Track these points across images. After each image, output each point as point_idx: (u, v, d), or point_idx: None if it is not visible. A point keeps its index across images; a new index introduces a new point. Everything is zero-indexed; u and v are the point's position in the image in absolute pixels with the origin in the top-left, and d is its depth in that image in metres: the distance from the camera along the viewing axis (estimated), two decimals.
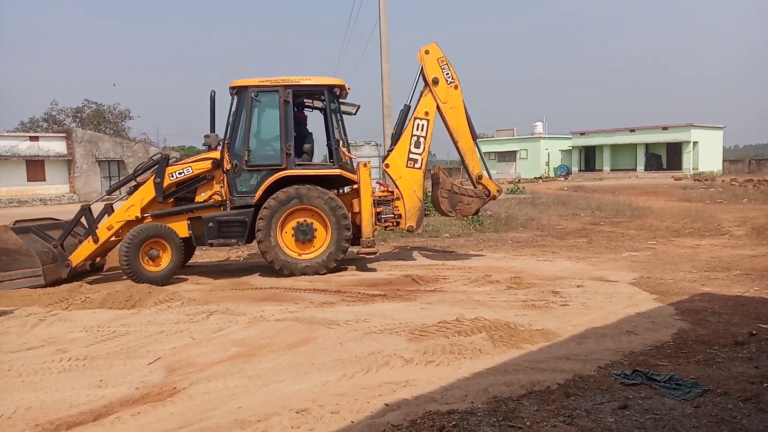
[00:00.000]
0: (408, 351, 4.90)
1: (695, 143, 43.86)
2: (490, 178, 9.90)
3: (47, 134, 39.28)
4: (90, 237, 8.72)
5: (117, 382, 4.45)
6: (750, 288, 7.21)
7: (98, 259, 9.58)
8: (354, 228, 9.06)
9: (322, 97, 9.30)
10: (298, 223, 8.75)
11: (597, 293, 7.08)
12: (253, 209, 8.78)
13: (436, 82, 9.43)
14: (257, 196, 8.76)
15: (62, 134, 38.34)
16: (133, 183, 9.30)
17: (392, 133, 9.82)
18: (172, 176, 8.90)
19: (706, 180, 30.97)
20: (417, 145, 9.44)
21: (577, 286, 7.51)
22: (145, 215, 8.86)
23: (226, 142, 8.87)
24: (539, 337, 5.23)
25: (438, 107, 9.50)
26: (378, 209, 9.32)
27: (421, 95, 9.57)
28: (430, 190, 10.67)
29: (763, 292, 6.92)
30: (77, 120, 50.52)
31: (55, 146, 36.97)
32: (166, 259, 8.54)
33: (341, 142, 9.37)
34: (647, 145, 46.20)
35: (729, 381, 3.99)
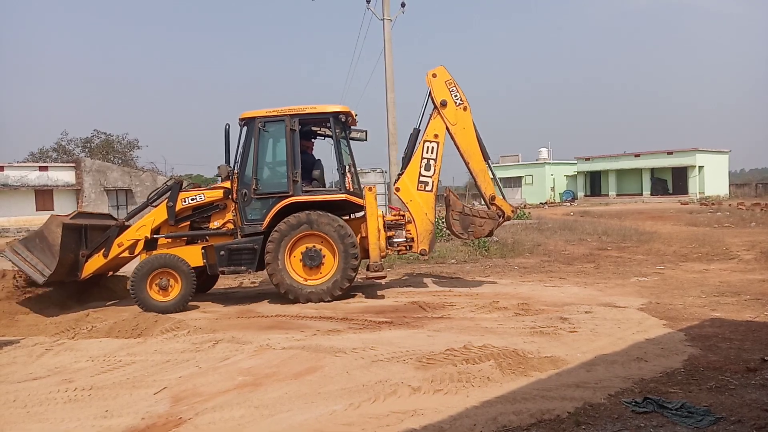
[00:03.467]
0: (415, 379, 4.85)
1: (701, 167, 43.83)
2: (504, 198, 9.83)
3: (56, 164, 39.71)
4: (101, 252, 9.04)
5: (122, 412, 4.42)
6: (761, 313, 7.13)
7: (110, 273, 9.95)
8: (364, 253, 9.09)
9: (329, 124, 9.42)
10: (306, 248, 8.80)
11: (606, 319, 7.02)
12: (262, 237, 8.87)
13: (444, 104, 9.46)
14: (265, 223, 8.86)
15: (71, 164, 38.76)
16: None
17: (402, 157, 9.83)
18: (185, 201, 9.17)
19: (713, 204, 30.86)
20: (427, 168, 9.46)
21: (586, 312, 7.45)
22: (156, 236, 9.19)
23: (235, 171, 9.03)
24: (548, 364, 5.17)
25: (447, 129, 9.52)
26: (389, 233, 9.34)
27: (430, 118, 9.61)
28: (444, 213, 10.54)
29: None
30: (86, 150, 51.11)
31: (64, 176, 37.34)
32: (176, 289, 8.65)
33: (347, 167, 9.44)
34: (653, 170, 46.19)
35: (742, 408, 3.93)
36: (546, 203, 46.73)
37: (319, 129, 9.95)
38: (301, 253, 8.81)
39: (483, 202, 10.03)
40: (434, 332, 6.62)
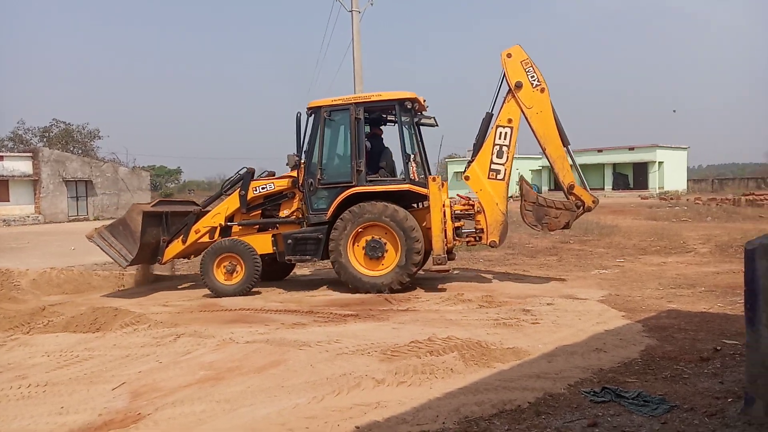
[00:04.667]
0: (380, 372, 4.86)
1: (660, 163, 45.04)
2: (584, 187, 9.12)
3: (12, 154, 38.37)
4: (181, 237, 9.54)
5: (79, 408, 4.30)
6: (714, 304, 7.37)
7: (192, 256, 10.51)
8: (430, 244, 8.82)
9: (394, 112, 9.25)
10: (369, 239, 8.75)
11: (567, 311, 7.15)
12: (327, 226, 8.90)
13: (519, 86, 8.86)
14: (329, 213, 8.89)
15: (28, 154, 37.48)
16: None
17: (474, 144, 9.27)
18: (256, 190, 9.40)
19: (672, 199, 31.74)
20: (499, 155, 8.93)
21: (548, 304, 7.58)
22: (230, 223, 9.51)
23: (302, 161, 9.05)
24: (510, 355, 5.24)
25: (523, 113, 8.92)
26: (458, 223, 9.08)
27: (504, 101, 9.04)
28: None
29: (726, 308, 7.08)
30: (44, 140, 49.57)
31: (21, 166, 36.07)
32: (240, 274, 8.93)
33: (412, 156, 9.27)
34: (614, 165, 47.26)
35: (695, 396, 4.05)
36: (511, 197, 47.26)
37: (388, 116, 9.83)
38: (365, 243, 8.75)
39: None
40: (399, 324, 6.64)
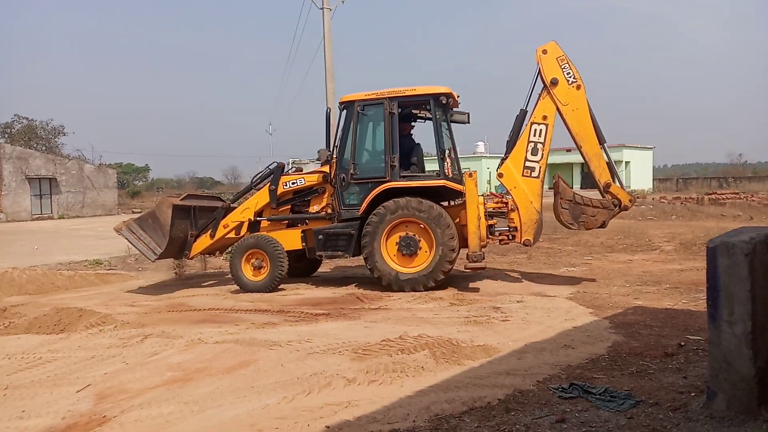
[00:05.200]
0: (351, 371, 4.84)
1: (627, 163, 45.93)
2: (621, 186, 8.98)
3: None
4: (209, 232, 9.46)
5: (41, 412, 4.19)
6: (679, 301, 7.54)
7: (217, 253, 10.51)
8: (463, 242, 8.72)
9: (428, 107, 9.07)
10: (403, 236, 8.58)
11: (536, 308, 7.24)
12: (359, 222, 8.77)
13: (555, 83, 8.65)
14: (362, 208, 8.77)
15: None
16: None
17: (507, 140, 9.09)
18: (286, 185, 9.34)
19: (638, 198, 32.31)
20: (534, 153, 8.72)
21: (518, 302, 7.66)
22: (259, 218, 9.44)
23: (334, 156, 8.93)
24: (481, 352, 5.28)
25: (558, 110, 8.72)
26: (491, 221, 8.92)
27: (538, 98, 8.83)
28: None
29: (690, 305, 7.25)
30: (6, 136, 48.16)
31: None
32: (266, 270, 8.87)
33: (447, 152, 9.10)
34: (582, 165, 47.92)
35: (660, 391, 4.14)
36: (482, 196, 47.66)
37: (419, 112, 9.66)
38: (398, 239, 8.59)
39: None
40: (371, 323, 6.64)
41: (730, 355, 3.51)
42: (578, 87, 8.66)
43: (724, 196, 24.37)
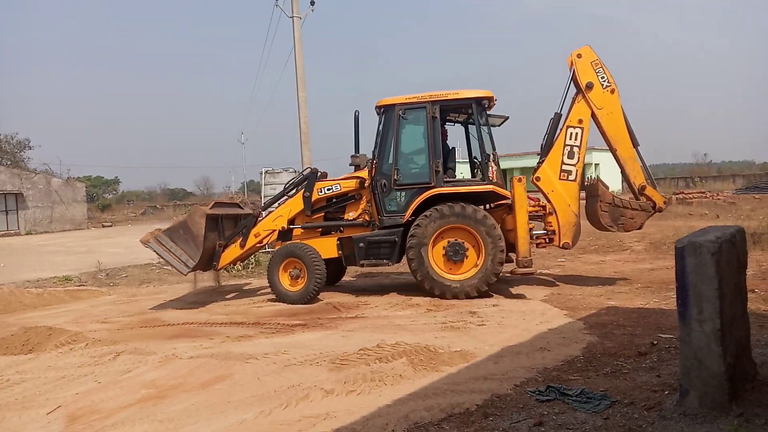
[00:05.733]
0: (328, 382, 4.81)
1: (596, 165, 46.65)
2: (655, 188, 9.02)
3: None
4: (238, 242, 9.12)
5: None
6: (650, 300, 7.68)
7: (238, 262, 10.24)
8: (507, 247, 8.59)
9: (470, 111, 8.97)
10: (449, 242, 8.40)
11: (512, 311, 7.30)
12: (402, 229, 8.60)
13: (590, 87, 8.72)
14: (407, 215, 8.59)
15: None
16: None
17: (541, 144, 9.05)
18: (321, 191, 9.08)
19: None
20: (570, 156, 8.74)
21: (493, 305, 7.72)
22: (292, 226, 9.14)
23: (374, 161, 8.72)
24: (458, 358, 5.30)
25: (593, 114, 8.78)
26: (529, 225, 8.74)
27: (573, 102, 8.87)
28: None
29: (661, 304, 7.39)
30: None
31: None
32: (303, 280, 8.60)
33: (491, 156, 8.93)
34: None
35: (634, 391, 4.20)
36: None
37: (449, 115, 9.49)
38: (443, 248, 8.40)
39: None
40: (348, 332, 6.61)
41: (700, 352, 3.58)
42: (612, 91, 8.76)
43: (691, 196, 24.88)
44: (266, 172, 17.10)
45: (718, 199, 23.86)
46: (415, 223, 8.43)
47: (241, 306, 8.72)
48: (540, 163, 8.92)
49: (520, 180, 8.45)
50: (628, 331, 6.04)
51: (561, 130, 8.83)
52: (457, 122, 9.84)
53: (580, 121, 8.78)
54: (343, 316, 7.59)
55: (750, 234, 10.36)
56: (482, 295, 8.28)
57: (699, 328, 3.58)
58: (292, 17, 18.26)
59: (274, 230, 9.17)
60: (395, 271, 11.91)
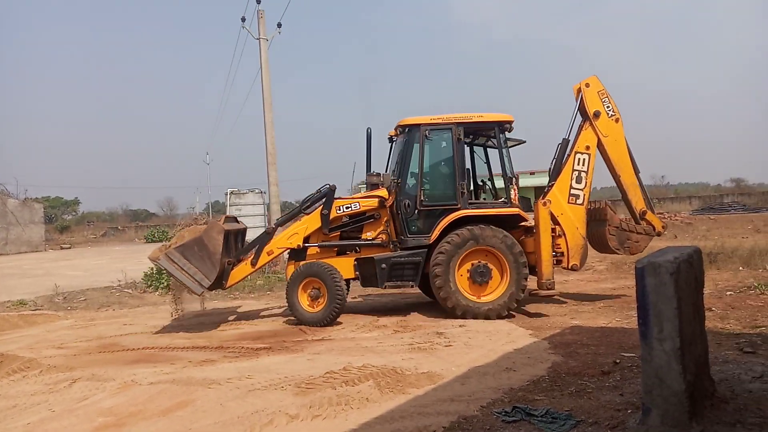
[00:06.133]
0: (293, 406, 4.72)
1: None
2: (653, 213, 9.44)
3: None
4: (249, 260, 8.72)
5: None
6: (612, 319, 7.82)
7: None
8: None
9: (491, 133, 9.06)
10: (474, 264, 8.37)
11: (478, 332, 7.33)
12: (426, 250, 8.47)
13: (597, 115, 9.06)
14: (434, 236, 8.48)
15: None
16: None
17: (549, 168, 9.25)
18: (339, 209, 8.82)
19: None
20: (578, 181, 8.99)
21: (460, 326, 7.73)
22: (307, 245, 8.81)
23: (397, 181, 8.56)
24: (425, 380, 5.28)
25: (599, 141, 9.11)
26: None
27: (580, 129, 9.20)
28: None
29: (624, 323, 7.53)
30: None
31: None
32: (323, 301, 8.31)
33: (514, 179, 9.03)
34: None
35: (599, 410, 4.24)
36: None
37: (467, 138, 9.39)
38: (468, 270, 8.37)
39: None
40: (314, 355, 6.52)
41: (661, 371, 3.63)
42: (617, 120, 9.14)
43: None
44: (232, 192, 16.95)
45: (676, 219, 24.60)
46: (443, 243, 8.37)
47: (204, 329, 8.52)
48: (549, 186, 9.14)
49: (545, 204, 8.63)
50: (592, 350, 6.11)
51: (569, 155, 9.11)
52: (475, 144, 9.88)
53: (587, 148, 9.10)
54: (309, 339, 7.49)
55: (706, 254, 10.69)
56: (503, 317, 8.26)
57: (660, 347, 3.64)
58: (258, 39, 18.27)
59: (289, 248, 8.89)
60: (363, 292, 11.87)
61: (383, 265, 8.55)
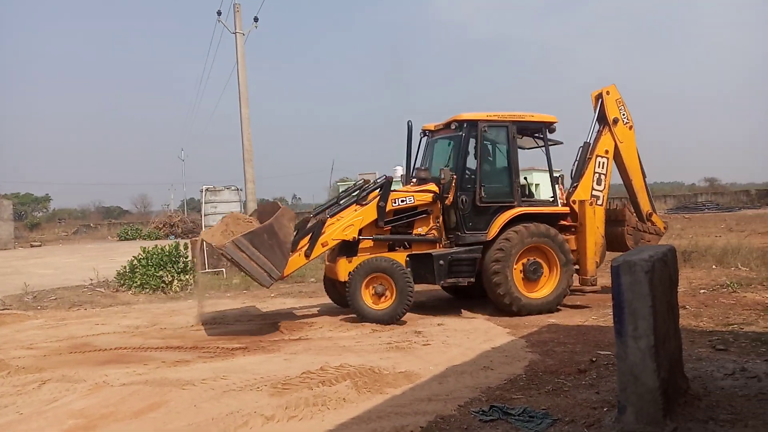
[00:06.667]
0: (269, 407, 4.66)
1: (537, 185, 48.08)
2: (657, 215, 10.21)
3: None
4: (303, 250, 8.22)
5: None
6: (589, 317, 7.89)
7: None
8: None
9: (537, 133, 9.21)
10: (527, 261, 8.49)
11: (456, 330, 7.34)
12: (482, 246, 8.44)
13: (615, 122, 9.63)
14: (493, 232, 8.45)
15: None
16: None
17: (571, 171, 9.68)
18: (395, 202, 8.57)
19: None
20: (599, 183, 9.53)
21: (438, 324, 7.74)
22: (361, 237, 8.47)
23: (454, 176, 8.46)
24: (403, 379, 5.26)
25: (616, 146, 9.68)
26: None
27: (600, 134, 9.70)
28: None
29: (599, 321, 7.61)
30: None
31: None
32: (389, 299, 8.01)
33: (560, 179, 9.08)
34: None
35: (575, 408, 4.26)
36: None
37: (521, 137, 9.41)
38: (522, 265, 8.48)
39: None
40: (291, 355, 6.45)
41: (636, 368, 3.67)
42: (630, 127, 9.82)
43: None
44: (207, 189, 16.71)
45: None
46: (502, 240, 8.40)
47: (179, 329, 8.39)
48: (574, 187, 9.55)
49: (591, 204, 9.09)
50: (569, 348, 6.16)
51: (590, 158, 9.61)
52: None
53: (606, 152, 9.68)
54: (286, 339, 7.42)
55: (680, 252, 10.85)
56: (552, 313, 8.42)
57: (635, 345, 3.67)
58: (234, 33, 18.07)
59: (344, 240, 8.46)
60: None
61: (441, 262, 8.38)
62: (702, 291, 9.18)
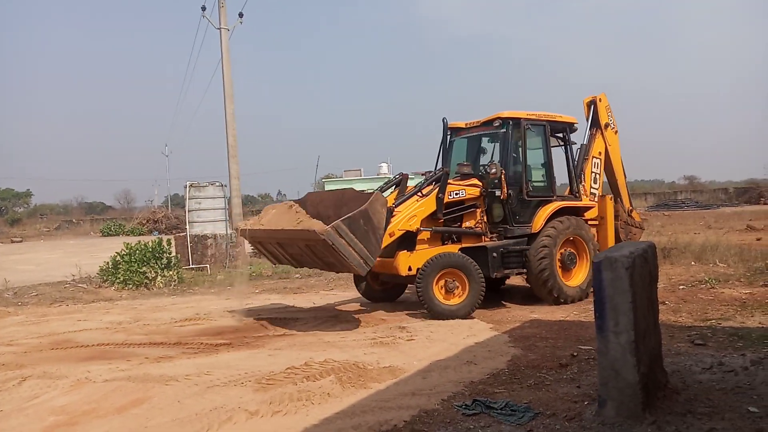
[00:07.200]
0: (253, 403, 4.66)
1: None
2: (635, 211, 11.22)
3: None
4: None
5: None
6: (570, 313, 7.99)
7: None
8: None
9: (562, 133, 9.73)
10: (564, 251, 8.93)
11: (440, 325, 7.38)
12: (526, 238, 8.81)
13: (606, 126, 10.50)
14: (539, 225, 8.80)
15: None
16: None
17: (570, 171, 10.14)
18: (450, 195, 8.61)
19: None
20: (595, 181, 10.30)
21: (422, 320, 7.77)
22: (422, 228, 8.39)
23: (502, 170, 8.62)
24: (387, 374, 5.28)
25: (606, 148, 10.52)
26: None
27: (593, 137, 10.45)
28: None
29: (581, 316, 7.70)
30: None
31: None
32: (462, 294, 7.98)
33: (581, 176, 9.86)
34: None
35: (556, 402, 4.32)
36: None
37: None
38: (561, 254, 8.87)
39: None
40: (276, 351, 6.45)
41: (616, 363, 3.73)
42: (616, 132, 10.85)
43: None
44: (191, 185, 16.59)
45: None
46: (546, 231, 8.77)
47: (162, 325, 8.34)
48: (580, 186, 10.07)
49: (612, 199, 10.15)
50: (550, 343, 6.23)
51: (586, 159, 10.29)
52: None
53: (600, 153, 10.51)
54: (271, 334, 7.41)
55: (660, 249, 11.03)
56: (582, 300, 8.89)
57: (615, 340, 3.73)
58: (219, 29, 17.94)
59: (408, 231, 8.26)
60: (326, 287, 11.84)
61: (494, 254, 8.56)
62: (681, 287, 9.33)
